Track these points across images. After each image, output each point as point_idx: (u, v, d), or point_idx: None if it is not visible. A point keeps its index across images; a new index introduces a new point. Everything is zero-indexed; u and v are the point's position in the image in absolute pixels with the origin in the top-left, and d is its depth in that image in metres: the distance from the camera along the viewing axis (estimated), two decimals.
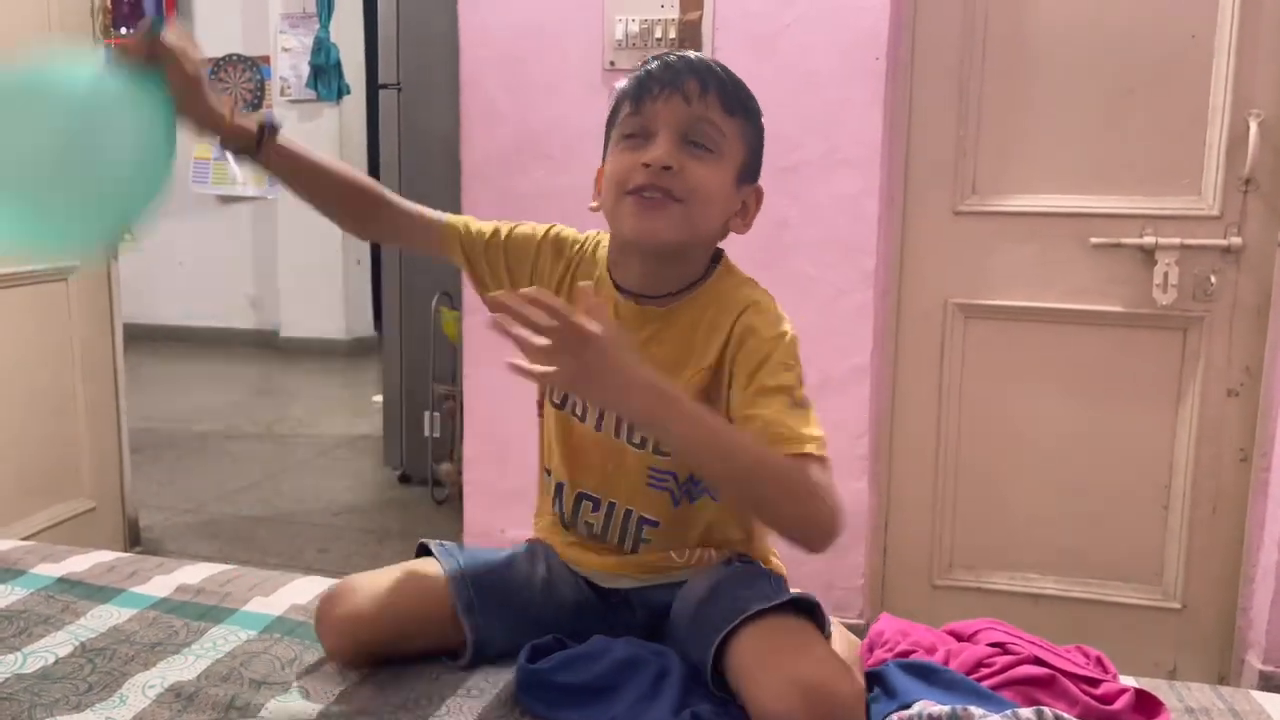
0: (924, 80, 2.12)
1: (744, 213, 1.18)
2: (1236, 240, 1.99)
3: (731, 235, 1.19)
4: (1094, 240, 2.04)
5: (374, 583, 1.14)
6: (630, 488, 1.17)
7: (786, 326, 1.13)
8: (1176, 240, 2.00)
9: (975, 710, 0.88)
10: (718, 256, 1.20)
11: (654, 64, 1.13)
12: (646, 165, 1.08)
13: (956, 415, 2.20)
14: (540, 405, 1.26)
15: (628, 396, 0.97)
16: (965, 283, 2.15)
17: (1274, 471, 2.00)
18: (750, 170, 1.17)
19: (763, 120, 1.18)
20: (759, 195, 1.19)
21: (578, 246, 1.23)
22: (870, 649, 1.15)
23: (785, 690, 0.94)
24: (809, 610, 1.08)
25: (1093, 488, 2.14)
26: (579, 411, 1.18)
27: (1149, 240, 2.01)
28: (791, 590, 1.12)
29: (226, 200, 5.99)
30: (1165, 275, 2.01)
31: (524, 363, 0.93)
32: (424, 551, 1.23)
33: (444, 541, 1.23)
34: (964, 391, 2.19)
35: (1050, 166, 2.08)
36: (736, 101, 1.12)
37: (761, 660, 0.99)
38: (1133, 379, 2.10)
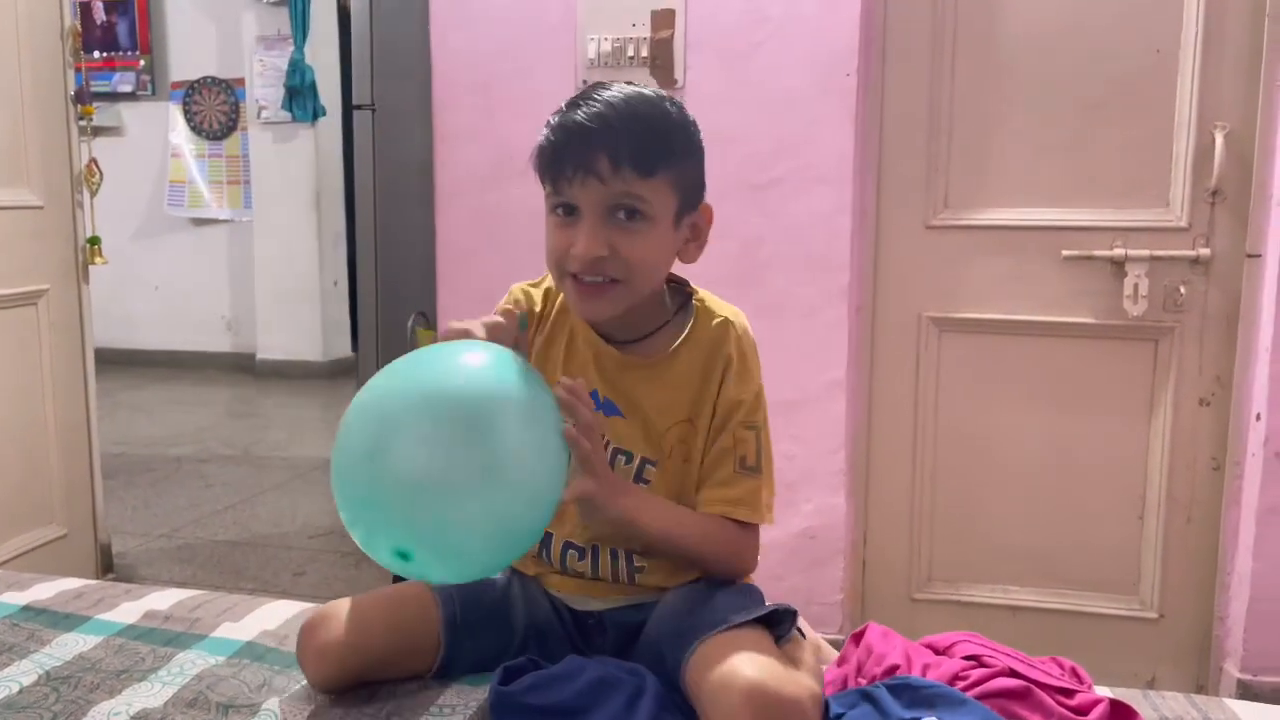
0: (895, 96, 2.14)
1: (694, 237, 1.16)
2: (1205, 251, 2.01)
3: (705, 258, 1.19)
4: (1065, 253, 2.06)
5: (357, 608, 1.12)
6: (612, 532, 1.16)
7: (757, 381, 1.16)
8: (1146, 252, 2.02)
9: None
10: (685, 284, 1.21)
11: (560, 134, 1.08)
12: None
13: (933, 428, 2.20)
14: None
15: (622, 493, 1.08)
16: (939, 296, 2.16)
17: (1246, 480, 2.01)
18: (688, 204, 1.12)
19: (695, 140, 1.12)
20: (707, 214, 1.16)
21: (542, 298, 1.22)
22: (858, 665, 1.14)
23: (730, 695, 0.95)
24: (781, 620, 1.09)
25: (1068, 498, 2.15)
26: None
27: (1119, 252, 2.03)
28: (768, 603, 1.11)
29: (200, 223, 5.96)
30: (1136, 286, 2.03)
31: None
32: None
33: None
34: (939, 404, 2.20)
35: (1021, 180, 2.10)
36: (655, 160, 1.06)
37: (707, 666, 0.99)
38: (1106, 389, 2.11)
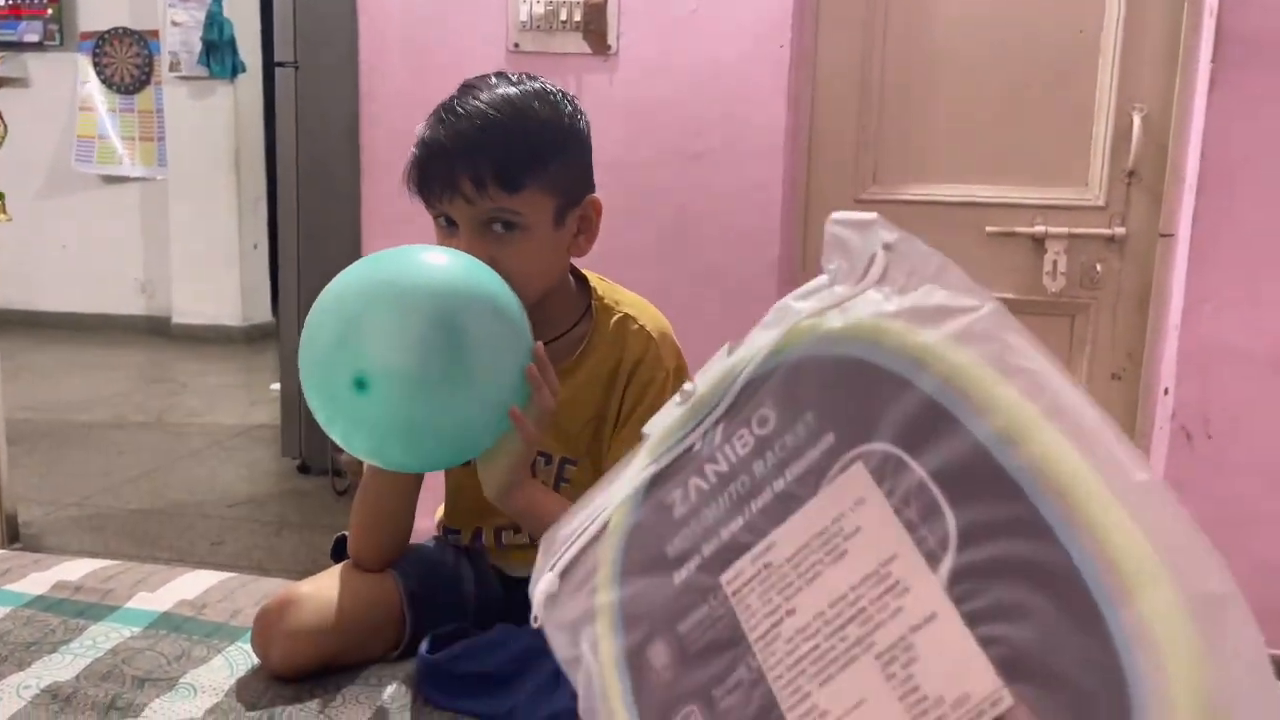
0: (827, 69, 2.15)
1: (584, 229, 1.14)
2: (1120, 230, 2.07)
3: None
4: (989, 229, 2.10)
5: (320, 592, 1.09)
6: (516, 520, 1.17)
7: (666, 365, 1.16)
8: (1065, 230, 2.07)
9: None
10: (583, 279, 1.21)
11: (424, 152, 1.06)
12: None
13: None
14: None
15: (525, 484, 1.07)
16: None
17: (1154, 452, 2.09)
18: (570, 202, 1.10)
19: (573, 135, 1.10)
20: (595, 206, 1.14)
21: None
22: None
23: None
24: None
25: None
26: None
27: (1040, 229, 2.08)
28: None
29: (111, 180, 5.73)
30: (1055, 263, 2.08)
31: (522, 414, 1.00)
32: (341, 542, 1.20)
33: None
34: None
35: (949, 157, 2.13)
36: (522, 172, 1.04)
37: None
38: None
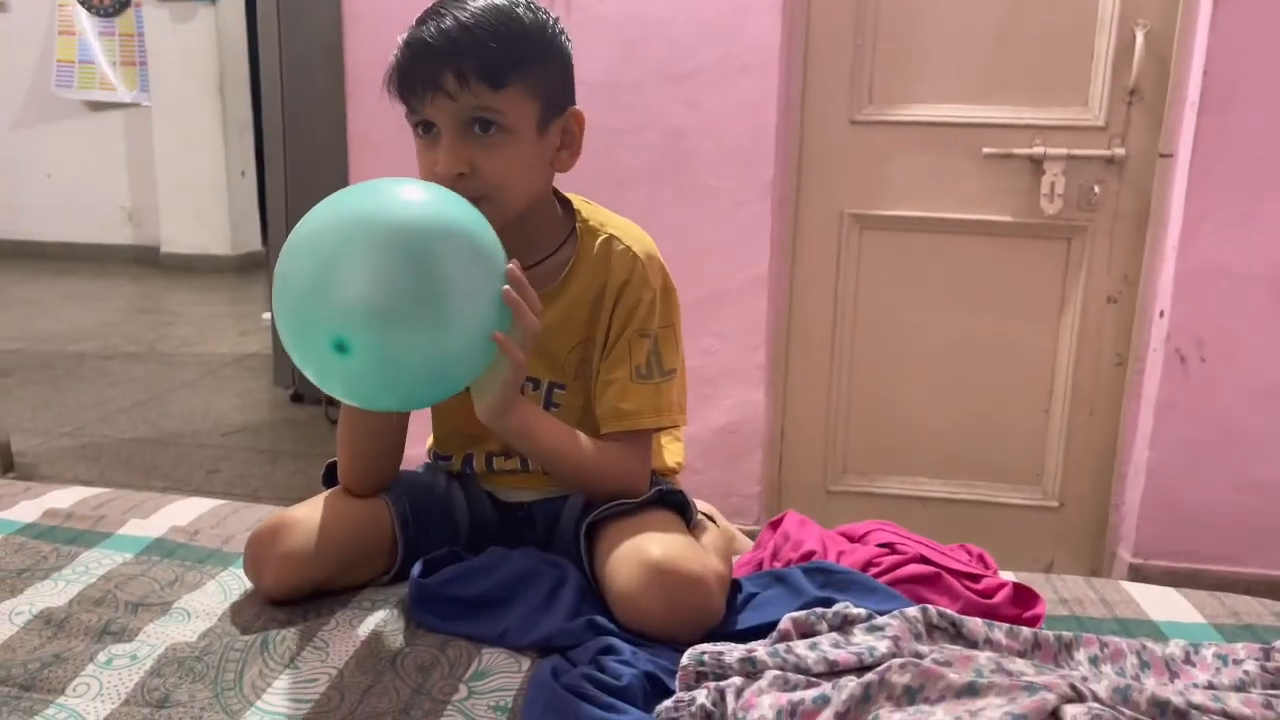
0: None
1: (568, 143, 1.13)
2: (1120, 151, 2.03)
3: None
4: (986, 150, 2.07)
5: (312, 516, 1.09)
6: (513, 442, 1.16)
7: (653, 285, 1.15)
8: (1064, 151, 2.04)
9: (859, 610, 0.90)
10: (568, 203, 1.19)
11: (407, 53, 1.05)
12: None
13: (851, 324, 2.23)
14: None
15: (517, 405, 1.06)
16: (861, 193, 2.16)
17: (1147, 375, 2.09)
18: (552, 110, 1.10)
19: (554, 43, 1.09)
20: (578, 119, 1.13)
21: None
22: (774, 550, 1.17)
23: (635, 570, 0.98)
24: (679, 507, 1.13)
25: (979, 393, 2.21)
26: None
27: (1038, 150, 2.04)
28: (663, 489, 1.14)
29: (95, 107, 5.62)
30: (1052, 185, 2.05)
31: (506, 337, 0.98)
32: (333, 468, 1.19)
33: None
34: (859, 301, 2.22)
35: (945, 77, 2.09)
36: (506, 69, 1.03)
37: (615, 549, 1.02)
38: (1019, 287, 2.15)
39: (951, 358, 2.21)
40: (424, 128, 1.07)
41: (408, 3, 2.19)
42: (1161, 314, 2.04)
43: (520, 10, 1.06)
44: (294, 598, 1.06)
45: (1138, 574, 2.12)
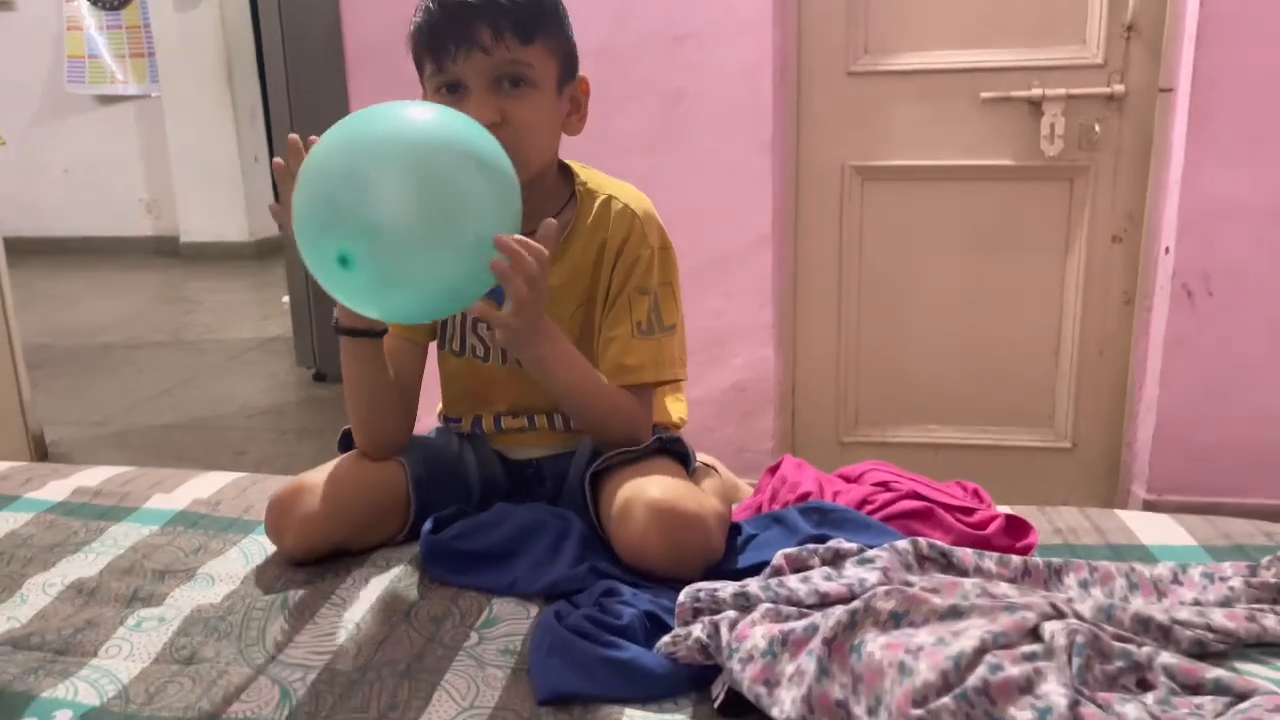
0: None
1: (575, 110, 1.19)
2: (1119, 88, 2.02)
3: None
4: (984, 95, 2.06)
5: (332, 478, 1.13)
6: (545, 398, 1.21)
7: (650, 242, 1.18)
8: (1062, 91, 2.03)
9: (851, 545, 0.93)
10: (568, 171, 1.23)
11: (439, 11, 1.09)
12: None
13: (857, 277, 2.24)
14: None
15: (537, 336, 1.07)
16: (861, 145, 2.16)
17: (1155, 312, 2.09)
18: (568, 72, 1.17)
19: (564, 12, 1.16)
20: (584, 86, 1.20)
21: None
22: (773, 493, 1.20)
23: (636, 512, 1.02)
24: (680, 456, 1.17)
25: (988, 338, 2.22)
26: (480, 353, 1.23)
27: (1036, 92, 2.04)
28: (662, 437, 1.17)
29: (107, 100, 5.67)
30: (1052, 126, 2.05)
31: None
32: (348, 435, 1.23)
33: None
34: (863, 253, 2.23)
35: (940, 22, 2.08)
36: (534, 25, 1.10)
37: (617, 495, 1.06)
38: (1024, 230, 2.16)
39: (959, 304, 2.22)
40: (449, 88, 1.12)
41: None
42: (1167, 250, 2.04)
43: None
44: (313, 558, 1.11)
45: (1152, 510, 2.12)
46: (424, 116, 0.97)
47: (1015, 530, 1.06)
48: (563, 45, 1.15)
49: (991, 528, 1.04)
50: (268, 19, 3.24)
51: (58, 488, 1.33)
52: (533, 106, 1.10)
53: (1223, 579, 0.92)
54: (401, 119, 0.96)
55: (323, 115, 3.24)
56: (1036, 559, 0.97)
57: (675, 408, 1.32)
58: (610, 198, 1.20)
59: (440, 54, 1.10)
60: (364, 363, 1.15)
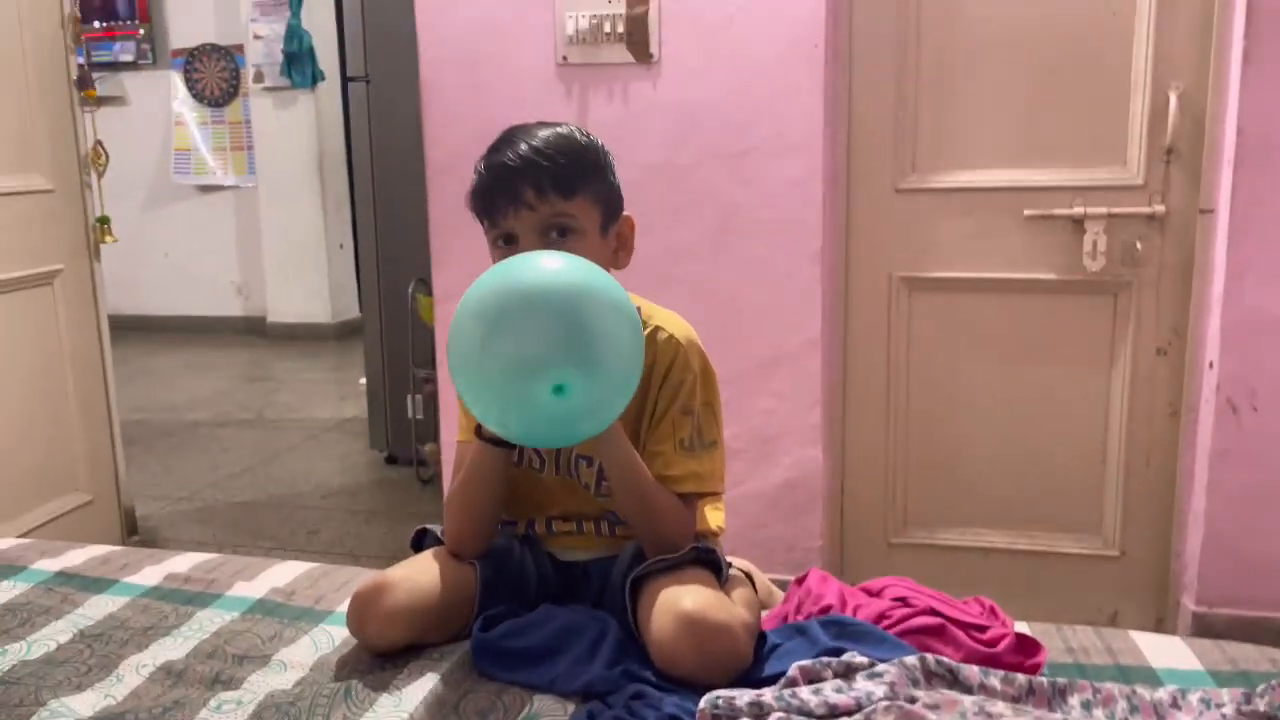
0: (862, 65, 2.21)
1: (622, 247, 1.32)
2: (1160, 208, 2.09)
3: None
4: (1027, 212, 2.15)
5: (410, 577, 1.24)
6: (596, 506, 1.33)
7: (694, 367, 1.30)
8: (1104, 210, 2.11)
9: (863, 658, 1.01)
10: None
11: (490, 175, 1.25)
12: None
13: (905, 382, 2.32)
14: None
15: (615, 439, 1.22)
16: (908, 257, 2.26)
17: (1201, 424, 2.12)
18: (611, 215, 1.30)
19: (606, 161, 1.29)
20: (629, 224, 1.33)
21: None
22: (798, 604, 1.28)
23: (669, 622, 1.11)
24: (713, 565, 1.25)
25: (1035, 445, 2.27)
26: (536, 465, 1.35)
27: (1078, 211, 2.12)
28: (698, 547, 1.26)
29: (207, 190, 6.07)
30: (1094, 243, 2.12)
31: None
32: (420, 534, 1.36)
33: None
34: (911, 360, 2.30)
35: (984, 143, 2.18)
36: (574, 180, 1.23)
37: (654, 602, 1.15)
38: (1068, 342, 2.22)
39: (1006, 411, 2.27)
40: (505, 240, 1.26)
41: (480, 99, 2.39)
42: (1211, 365, 2.08)
43: (577, 134, 1.28)
44: (392, 651, 1.21)
45: (1202, 623, 2.13)
46: (581, 265, 1.11)
47: (1025, 648, 1.12)
48: (604, 192, 1.28)
49: (1002, 645, 1.10)
50: (358, 124, 3.49)
51: (152, 573, 1.47)
52: (580, 252, 1.21)
53: (1218, 705, 0.97)
54: (578, 266, 1.10)
55: (406, 214, 3.45)
56: (1042, 678, 1.03)
57: (714, 516, 1.41)
58: (657, 328, 1.31)
59: (493, 212, 1.25)
60: (494, 472, 1.28)
